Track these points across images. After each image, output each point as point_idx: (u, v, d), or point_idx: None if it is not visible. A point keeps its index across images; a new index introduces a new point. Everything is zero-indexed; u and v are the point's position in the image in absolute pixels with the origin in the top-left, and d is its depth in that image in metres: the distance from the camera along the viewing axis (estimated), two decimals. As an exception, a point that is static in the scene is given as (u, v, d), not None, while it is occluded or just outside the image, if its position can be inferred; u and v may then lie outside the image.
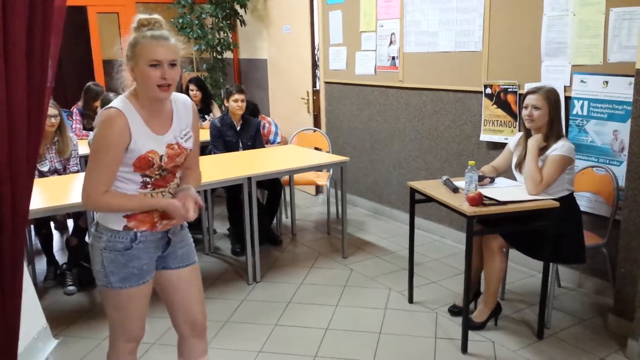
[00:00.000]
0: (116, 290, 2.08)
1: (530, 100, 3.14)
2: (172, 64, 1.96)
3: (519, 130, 3.66)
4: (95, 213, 2.14)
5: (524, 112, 3.17)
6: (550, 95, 3.13)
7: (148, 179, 2.05)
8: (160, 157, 2.04)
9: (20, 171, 1.60)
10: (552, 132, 3.15)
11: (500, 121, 4.14)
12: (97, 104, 5.03)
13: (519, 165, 3.28)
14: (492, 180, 3.29)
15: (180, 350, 2.38)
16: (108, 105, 1.98)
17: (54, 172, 4.05)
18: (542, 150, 3.14)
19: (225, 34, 7.08)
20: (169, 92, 1.99)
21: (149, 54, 1.93)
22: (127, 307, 2.12)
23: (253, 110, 5.18)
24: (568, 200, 3.16)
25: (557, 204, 2.98)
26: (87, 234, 4.19)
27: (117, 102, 1.98)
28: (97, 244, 2.06)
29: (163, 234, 2.15)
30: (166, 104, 2.09)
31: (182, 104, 2.15)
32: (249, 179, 3.84)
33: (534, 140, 3.14)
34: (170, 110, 2.10)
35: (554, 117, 3.13)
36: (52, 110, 3.89)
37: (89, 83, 5.44)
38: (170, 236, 2.18)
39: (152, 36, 1.94)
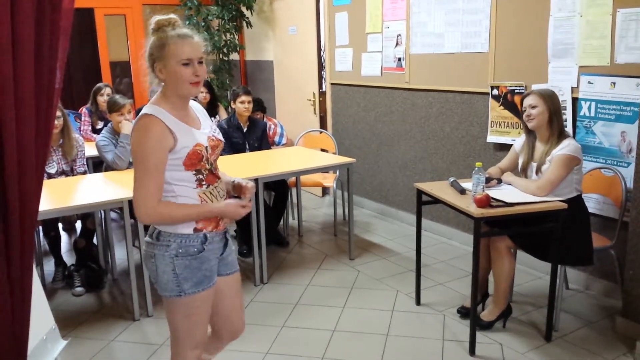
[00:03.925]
0: (189, 297, 2.05)
1: (526, 101, 3.20)
2: (200, 61, 2.01)
3: (524, 133, 3.65)
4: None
5: (524, 114, 3.20)
6: (544, 93, 3.16)
7: (201, 176, 2.05)
8: (206, 149, 2.05)
9: (29, 173, 1.61)
10: (553, 129, 3.16)
11: (507, 122, 4.13)
12: (104, 104, 5.06)
13: (525, 169, 3.29)
14: (499, 181, 3.28)
15: (207, 347, 2.37)
16: (140, 114, 1.98)
17: (62, 173, 4.06)
18: (547, 150, 3.16)
19: (232, 36, 7.10)
20: (199, 87, 2.04)
21: (179, 54, 1.96)
22: (198, 311, 2.11)
23: (259, 103, 5.19)
24: (576, 202, 3.15)
25: (565, 205, 2.97)
26: (94, 236, 4.21)
27: (147, 109, 1.98)
28: (164, 253, 2.02)
29: (222, 234, 2.17)
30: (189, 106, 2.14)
31: (196, 107, 2.19)
32: (256, 180, 3.85)
33: (507, 177, 3.31)
34: (192, 112, 2.14)
35: (553, 113, 3.14)
36: None
37: (100, 84, 5.50)
38: (227, 237, 2.23)
39: (179, 35, 1.98)
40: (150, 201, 1.93)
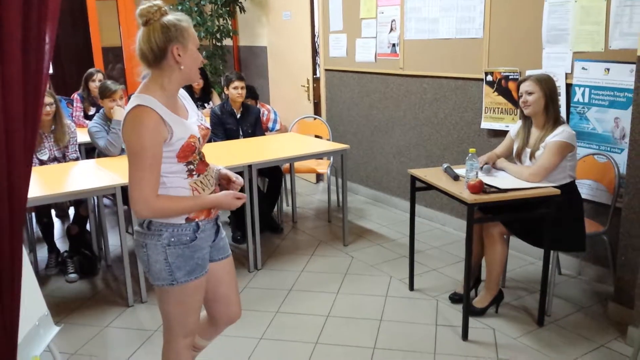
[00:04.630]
0: (182, 286, 2.03)
1: (523, 87, 3.19)
2: None
3: (520, 119, 3.66)
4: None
5: (520, 100, 3.20)
6: (541, 79, 3.16)
7: (192, 166, 2.01)
8: (198, 140, 2.01)
9: (18, 159, 1.59)
10: (549, 116, 3.16)
11: (501, 108, 4.12)
12: (96, 90, 5.01)
13: (519, 155, 3.29)
14: (492, 166, 3.30)
15: (204, 333, 2.38)
16: (132, 105, 1.88)
17: (54, 160, 4.04)
18: (542, 136, 3.16)
19: (225, 21, 7.03)
20: None
21: (195, 38, 1.97)
22: (190, 300, 2.09)
23: (251, 90, 5.15)
24: (569, 188, 3.15)
25: (558, 191, 2.97)
26: (87, 222, 4.20)
27: (138, 99, 1.88)
28: (156, 242, 1.98)
29: (214, 221, 2.15)
30: None
31: (181, 94, 2.12)
32: (250, 166, 3.84)
33: (501, 163, 3.31)
34: (180, 100, 2.08)
35: (549, 100, 3.14)
36: (47, 99, 3.83)
37: (91, 69, 5.45)
38: (219, 223, 2.20)
39: (188, 21, 1.96)
40: (148, 197, 1.88)
